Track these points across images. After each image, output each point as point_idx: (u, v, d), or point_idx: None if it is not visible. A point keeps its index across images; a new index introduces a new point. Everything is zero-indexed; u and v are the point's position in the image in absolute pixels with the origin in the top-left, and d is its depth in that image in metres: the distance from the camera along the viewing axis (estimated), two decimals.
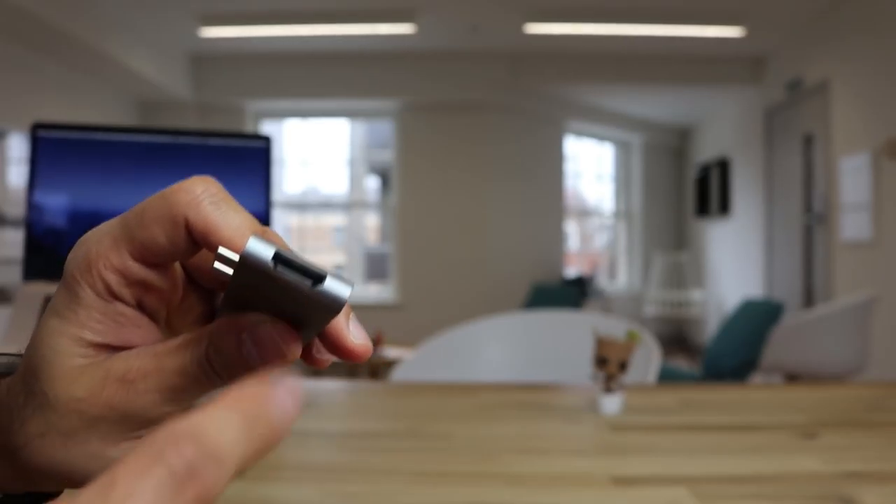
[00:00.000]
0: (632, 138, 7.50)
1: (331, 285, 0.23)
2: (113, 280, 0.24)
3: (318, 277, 0.23)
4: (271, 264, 0.23)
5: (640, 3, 4.81)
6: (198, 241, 0.24)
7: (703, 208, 7.05)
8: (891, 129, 4.00)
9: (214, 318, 0.29)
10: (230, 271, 0.24)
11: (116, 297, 0.25)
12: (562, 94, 6.59)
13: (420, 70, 6.00)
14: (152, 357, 0.25)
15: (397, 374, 1.52)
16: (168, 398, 0.25)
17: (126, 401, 0.24)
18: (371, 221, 7.36)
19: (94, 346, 0.25)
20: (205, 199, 0.24)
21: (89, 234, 0.26)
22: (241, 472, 0.18)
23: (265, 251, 0.23)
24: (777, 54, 5.58)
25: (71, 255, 0.25)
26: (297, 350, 0.25)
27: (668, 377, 3.41)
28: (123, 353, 0.25)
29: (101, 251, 0.24)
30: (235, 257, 0.23)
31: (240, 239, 0.24)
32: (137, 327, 0.26)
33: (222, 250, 0.24)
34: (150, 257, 0.25)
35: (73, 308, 0.25)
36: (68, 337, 0.25)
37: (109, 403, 0.24)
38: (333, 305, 0.23)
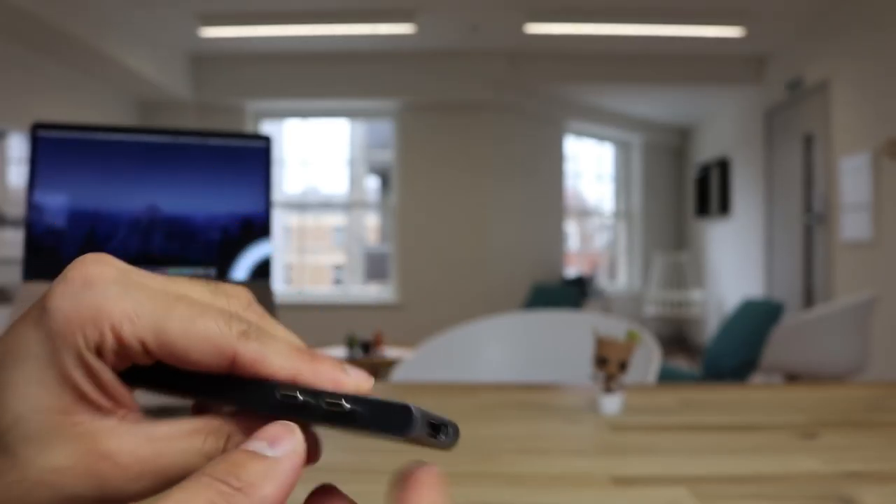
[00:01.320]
0: (632, 138, 7.50)
1: (452, 438, 0.23)
2: (111, 345, 0.22)
3: (444, 431, 0.23)
4: (427, 430, 0.22)
5: (640, 3, 4.81)
6: (242, 369, 0.23)
7: (703, 208, 7.05)
8: (891, 129, 4.00)
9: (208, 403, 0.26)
10: (347, 407, 0.23)
11: (103, 357, 0.23)
12: (562, 94, 6.59)
13: (420, 70, 6.00)
14: (147, 441, 0.23)
15: (397, 374, 1.52)
16: (160, 484, 0.23)
17: (111, 480, 0.22)
18: (371, 221, 7.37)
19: (76, 402, 0.22)
20: (252, 333, 0.23)
21: (100, 280, 0.23)
22: None
23: (422, 422, 0.22)
24: (777, 54, 5.58)
25: (69, 295, 0.22)
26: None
27: (668, 377, 3.41)
28: (111, 428, 0.23)
29: (117, 312, 0.22)
30: (355, 407, 0.22)
31: (314, 379, 0.24)
32: (115, 388, 0.23)
33: (354, 395, 0.23)
34: (165, 357, 0.23)
35: (59, 354, 0.22)
36: (47, 387, 0.22)
37: (92, 482, 0.22)
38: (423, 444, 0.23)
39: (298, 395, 0.23)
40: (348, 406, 0.22)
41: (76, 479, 0.22)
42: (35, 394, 0.22)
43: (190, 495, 0.20)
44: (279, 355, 0.23)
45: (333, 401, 0.23)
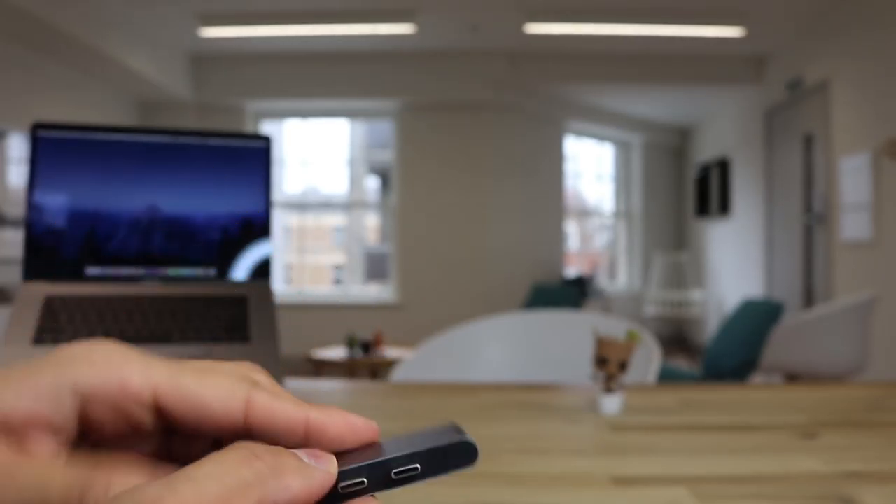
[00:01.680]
0: (632, 138, 7.50)
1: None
2: (114, 396, 0.21)
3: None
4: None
5: (640, 3, 4.81)
6: (256, 418, 0.23)
7: (703, 208, 7.05)
8: (891, 129, 4.00)
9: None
10: (419, 469, 0.23)
11: (95, 408, 0.22)
12: (562, 94, 6.59)
13: (420, 70, 6.00)
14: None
15: (397, 374, 1.52)
16: None
17: None
18: (371, 221, 7.38)
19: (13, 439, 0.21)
20: (260, 385, 0.24)
21: (112, 342, 0.23)
22: None
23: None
24: (777, 54, 5.58)
25: (83, 346, 0.22)
26: None
27: (668, 377, 3.41)
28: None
29: (129, 363, 0.22)
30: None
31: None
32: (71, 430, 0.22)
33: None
34: (177, 411, 0.22)
35: (56, 376, 0.21)
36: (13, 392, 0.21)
37: None
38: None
39: (364, 480, 0.22)
40: (419, 467, 0.22)
41: None
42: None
43: (226, 469, 0.20)
44: (289, 401, 0.23)
45: (404, 467, 0.22)
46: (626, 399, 1.03)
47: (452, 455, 0.23)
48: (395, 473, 0.22)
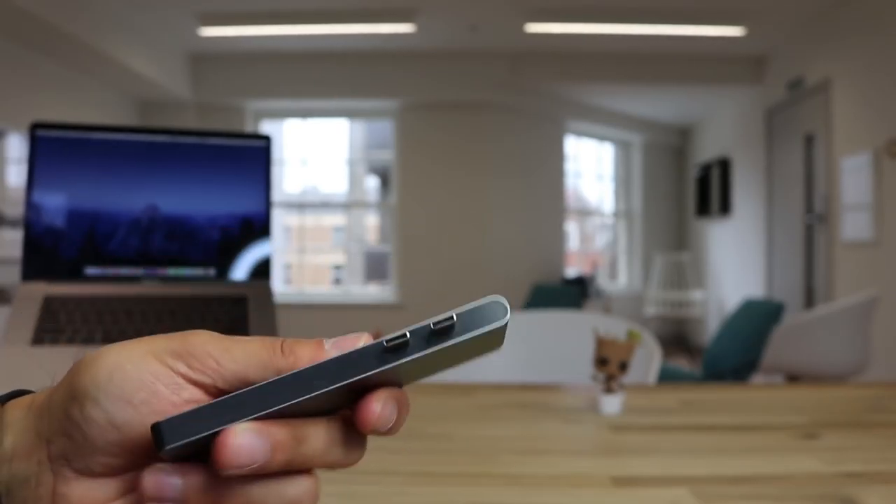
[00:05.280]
0: (632, 138, 7.49)
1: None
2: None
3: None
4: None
5: (640, 3, 4.81)
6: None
7: (703, 208, 7.05)
8: (892, 129, 4.00)
9: None
10: (454, 318, 0.25)
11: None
12: (562, 94, 6.59)
13: (420, 70, 5.99)
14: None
15: None
16: None
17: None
18: (371, 221, 7.37)
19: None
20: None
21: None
22: None
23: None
24: (778, 54, 5.58)
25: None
26: None
27: (668, 377, 3.41)
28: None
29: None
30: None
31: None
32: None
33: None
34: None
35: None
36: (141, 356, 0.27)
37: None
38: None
39: (407, 333, 0.25)
40: (454, 316, 0.25)
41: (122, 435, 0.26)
42: (145, 365, 0.26)
43: (256, 345, 0.27)
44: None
45: (440, 319, 0.25)
46: (626, 399, 1.03)
47: (485, 312, 0.25)
48: (434, 324, 0.25)
